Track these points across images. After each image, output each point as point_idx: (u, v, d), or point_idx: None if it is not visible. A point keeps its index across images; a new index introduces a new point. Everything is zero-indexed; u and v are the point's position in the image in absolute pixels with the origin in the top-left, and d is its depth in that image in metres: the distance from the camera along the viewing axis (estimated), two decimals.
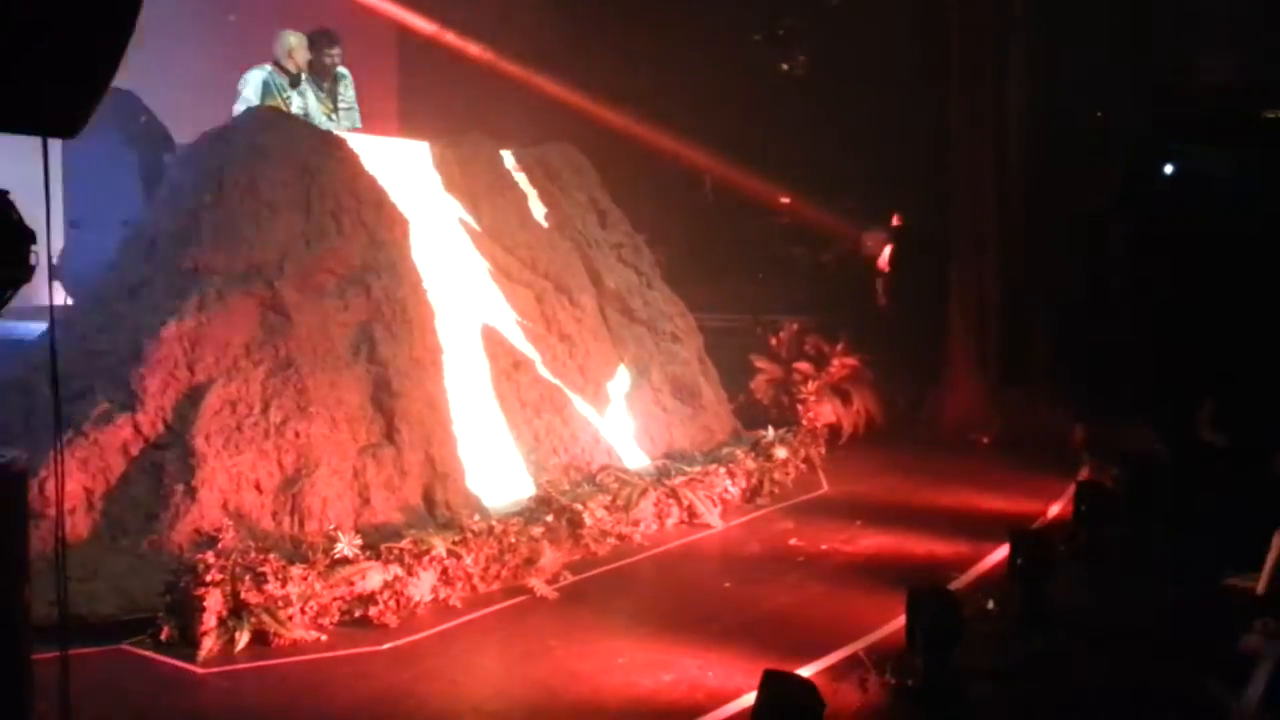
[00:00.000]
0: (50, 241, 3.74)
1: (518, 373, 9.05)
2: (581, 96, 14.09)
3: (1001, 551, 7.35)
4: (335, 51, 9.93)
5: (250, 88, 9.38)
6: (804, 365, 12.18)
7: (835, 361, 12.25)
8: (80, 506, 6.85)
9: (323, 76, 9.92)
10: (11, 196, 3.44)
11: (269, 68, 9.46)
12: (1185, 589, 7.04)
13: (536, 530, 7.59)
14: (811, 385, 11.81)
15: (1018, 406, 12.09)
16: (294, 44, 9.51)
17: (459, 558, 7.03)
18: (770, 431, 10.51)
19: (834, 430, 11.76)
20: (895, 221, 14.00)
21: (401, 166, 9.42)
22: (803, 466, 10.48)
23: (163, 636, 6.07)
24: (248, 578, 6.18)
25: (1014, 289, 12.53)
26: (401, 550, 6.85)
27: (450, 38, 13.93)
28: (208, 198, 8.04)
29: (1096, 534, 7.81)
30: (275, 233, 8.05)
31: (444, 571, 6.94)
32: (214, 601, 6.05)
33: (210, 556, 6.17)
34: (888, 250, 13.87)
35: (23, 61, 3.27)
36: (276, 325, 7.68)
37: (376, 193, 8.75)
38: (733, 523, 9.07)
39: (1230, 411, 9.78)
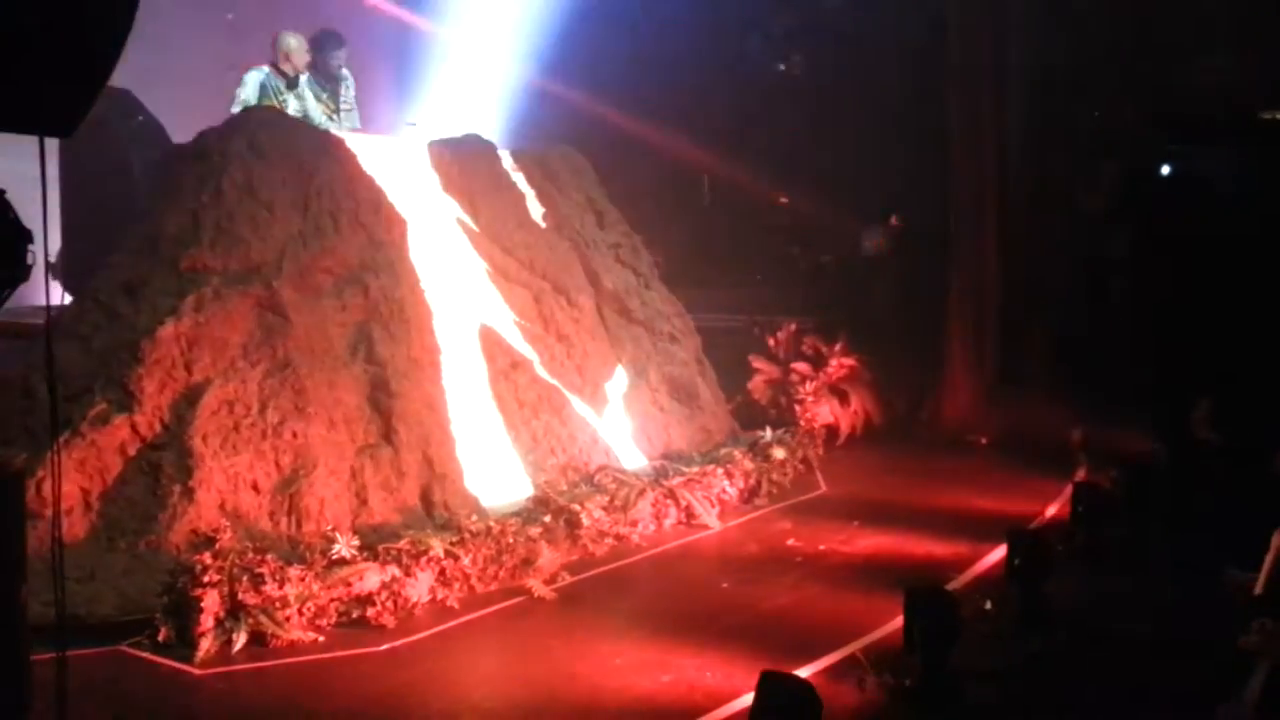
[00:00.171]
0: (47, 241, 3.73)
1: (515, 373, 9.05)
2: (581, 97, 14.09)
3: (999, 552, 7.35)
4: (340, 53, 9.95)
5: (247, 89, 9.39)
6: (802, 366, 12.17)
7: (833, 362, 12.24)
8: (77, 507, 6.84)
9: (326, 77, 9.93)
10: (8, 196, 3.43)
11: (266, 69, 9.46)
12: (1183, 589, 7.04)
13: (534, 531, 7.59)
14: (809, 386, 11.80)
15: (1016, 407, 12.09)
16: (292, 46, 9.51)
17: (457, 558, 7.03)
18: (768, 432, 10.50)
19: (832, 431, 11.76)
20: (894, 222, 13.99)
21: (399, 166, 9.42)
22: (800, 467, 10.48)
23: (160, 637, 6.06)
24: (245, 578, 6.17)
25: (1012, 289, 12.53)
26: (399, 551, 6.84)
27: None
28: (205, 198, 8.03)
29: (1094, 534, 7.82)
30: (273, 233, 8.05)
31: (442, 572, 6.94)
32: (211, 602, 6.04)
33: (208, 557, 6.16)
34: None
35: (19, 60, 3.27)
36: (274, 325, 7.67)
37: (374, 193, 8.75)
38: (730, 523, 9.07)
39: (1228, 411, 9.79)
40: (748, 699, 4.82)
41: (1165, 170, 13.15)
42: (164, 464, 7.03)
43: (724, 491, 9.39)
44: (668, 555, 8.29)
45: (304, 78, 9.81)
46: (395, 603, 6.64)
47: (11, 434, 6.88)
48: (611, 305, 10.52)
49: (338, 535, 6.79)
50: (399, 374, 7.98)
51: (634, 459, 9.53)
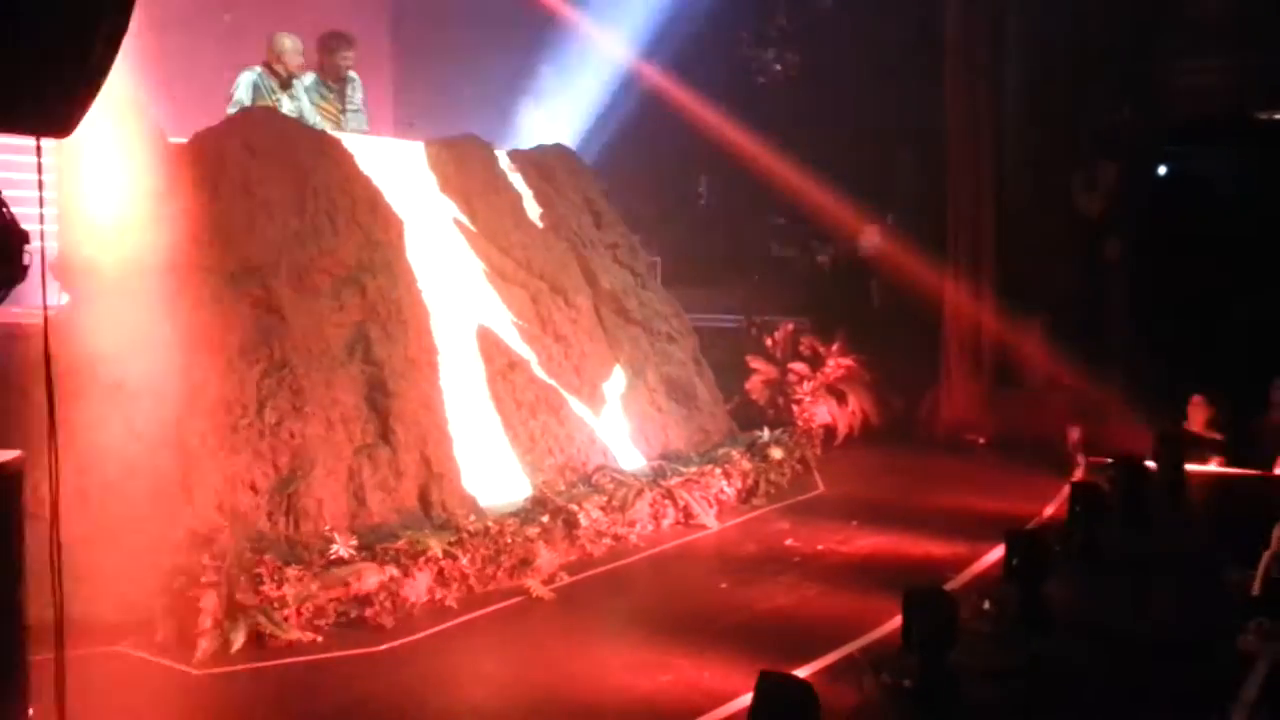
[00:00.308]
0: (44, 241, 3.73)
1: (513, 373, 9.04)
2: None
3: (997, 552, 7.35)
4: (348, 54, 9.92)
5: (241, 89, 9.36)
6: (799, 366, 12.19)
7: (831, 362, 12.25)
8: (75, 508, 6.80)
9: (333, 79, 9.91)
10: (4, 196, 3.43)
11: (259, 69, 9.43)
12: (1181, 589, 7.04)
13: (532, 531, 7.59)
14: (807, 386, 11.82)
15: (1013, 407, 12.10)
16: (286, 46, 9.47)
17: (455, 558, 7.03)
18: (766, 432, 10.52)
19: (829, 431, 11.77)
20: (891, 221, 13.98)
21: (396, 166, 9.41)
22: (798, 467, 10.49)
23: (158, 638, 6.07)
24: (243, 579, 6.17)
25: (1010, 290, 12.53)
26: (397, 551, 6.85)
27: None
28: (202, 197, 8.01)
29: (1092, 534, 7.81)
30: (270, 233, 8.03)
31: (440, 572, 6.94)
32: (209, 603, 6.04)
33: (206, 558, 6.17)
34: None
35: (16, 61, 3.26)
36: (271, 325, 7.66)
37: (371, 193, 8.74)
38: (728, 523, 9.07)
39: (1226, 411, 9.80)
40: (746, 699, 4.81)
41: (1162, 171, 13.15)
42: (162, 464, 7.01)
43: (722, 492, 9.40)
44: (666, 555, 8.30)
45: (309, 79, 9.79)
46: (393, 603, 6.64)
47: (9, 434, 6.86)
48: (609, 305, 10.52)
49: (336, 535, 6.80)
50: (396, 374, 7.98)
51: (632, 459, 9.53)
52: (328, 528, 6.96)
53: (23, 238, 3.42)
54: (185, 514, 6.78)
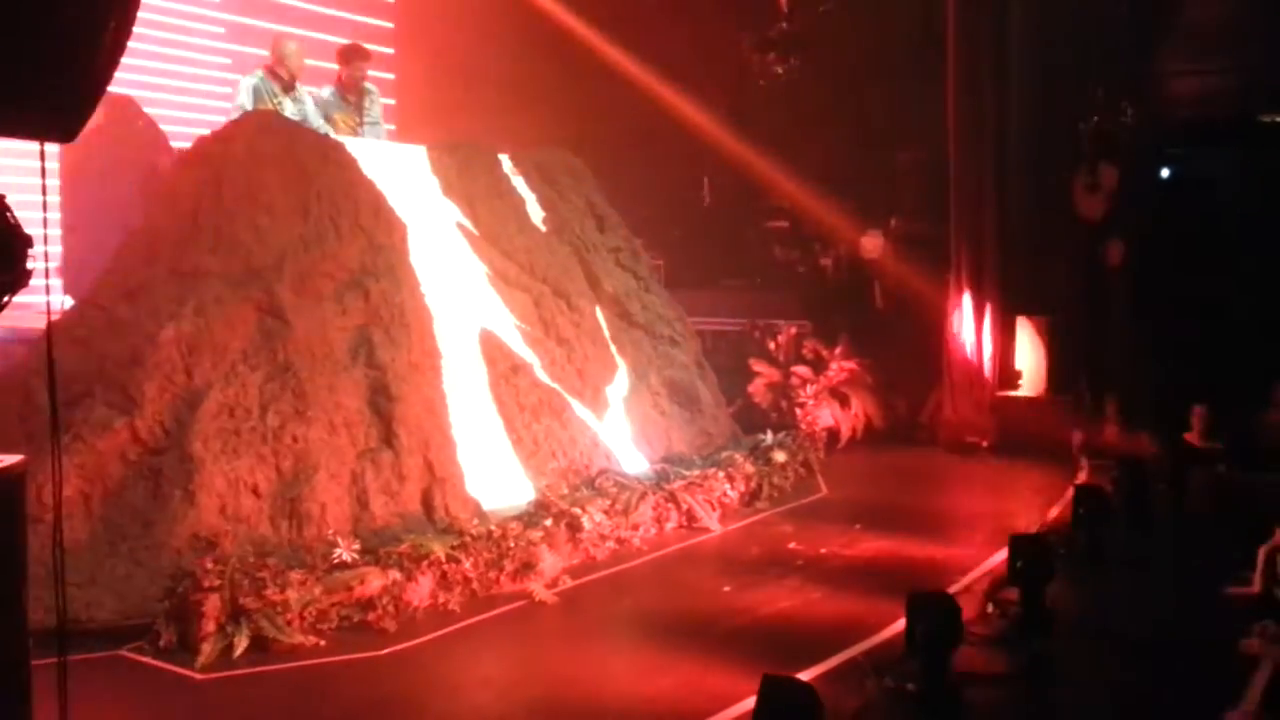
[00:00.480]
0: (48, 246, 3.73)
1: (516, 377, 9.05)
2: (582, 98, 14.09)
3: (1000, 555, 7.35)
4: (365, 66, 9.95)
5: (242, 94, 9.36)
6: (802, 369, 12.19)
7: (834, 365, 12.26)
8: (78, 512, 6.83)
9: (351, 91, 9.92)
10: (8, 200, 3.43)
11: (260, 73, 9.44)
12: (1183, 592, 7.04)
13: (535, 534, 7.59)
14: (810, 389, 11.82)
15: (1016, 410, 12.09)
16: (288, 50, 9.47)
17: (458, 562, 7.02)
18: (769, 435, 10.51)
19: (833, 434, 11.76)
20: (893, 224, 13.98)
21: (399, 171, 9.42)
22: (801, 470, 10.48)
23: (161, 642, 6.06)
24: (246, 583, 6.17)
25: (1012, 293, 12.52)
26: (400, 555, 6.85)
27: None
28: (205, 202, 8.03)
29: (1095, 537, 7.82)
30: (273, 237, 8.05)
31: (443, 576, 6.93)
32: (212, 607, 6.04)
33: (209, 562, 6.17)
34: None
35: (20, 65, 3.26)
36: (274, 329, 7.67)
37: (374, 197, 8.76)
38: (731, 527, 9.06)
39: (1227, 416, 9.78)
40: (749, 702, 4.81)
41: (1165, 173, 13.14)
42: (164, 468, 7.02)
43: (725, 495, 9.39)
44: (669, 559, 8.29)
45: (327, 91, 9.81)
46: (396, 607, 6.63)
47: (12, 438, 6.87)
48: (612, 309, 10.53)
49: (338, 539, 6.79)
50: (399, 378, 7.98)
51: (635, 462, 9.53)
52: (330, 532, 6.96)
53: (26, 242, 3.42)
54: (188, 518, 6.78)
